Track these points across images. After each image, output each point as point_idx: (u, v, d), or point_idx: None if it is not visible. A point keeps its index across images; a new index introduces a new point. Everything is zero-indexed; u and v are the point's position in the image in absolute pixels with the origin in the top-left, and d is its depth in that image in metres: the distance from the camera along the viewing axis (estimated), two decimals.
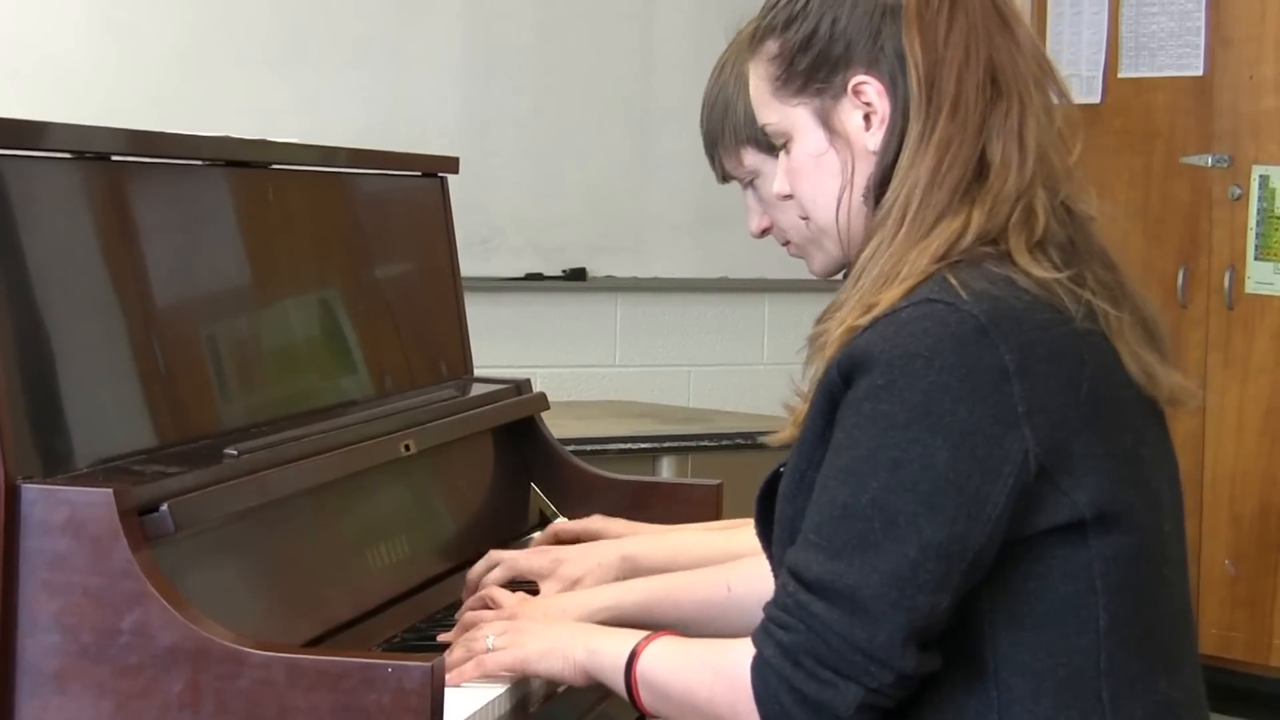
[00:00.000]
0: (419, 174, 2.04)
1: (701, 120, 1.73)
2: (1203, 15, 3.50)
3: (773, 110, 1.35)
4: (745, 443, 3.03)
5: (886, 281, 1.24)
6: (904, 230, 1.25)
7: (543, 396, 2.05)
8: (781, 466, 1.32)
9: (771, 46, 1.34)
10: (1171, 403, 1.31)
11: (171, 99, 3.14)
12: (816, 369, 1.26)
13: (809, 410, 1.26)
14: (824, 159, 1.32)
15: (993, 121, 1.26)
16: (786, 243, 1.75)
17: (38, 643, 1.27)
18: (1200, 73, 3.51)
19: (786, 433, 1.31)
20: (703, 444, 3.00)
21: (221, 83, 3.27)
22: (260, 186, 1.68)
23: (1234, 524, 3.38)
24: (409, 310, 1.95)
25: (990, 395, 1.19)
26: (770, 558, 1.34)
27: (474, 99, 3.55)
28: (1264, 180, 3.45)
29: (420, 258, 2.02)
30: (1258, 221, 3.45)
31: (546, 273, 3.66)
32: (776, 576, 1.28)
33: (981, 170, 1.26)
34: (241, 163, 1.66)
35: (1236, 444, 3.38)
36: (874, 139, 1.29)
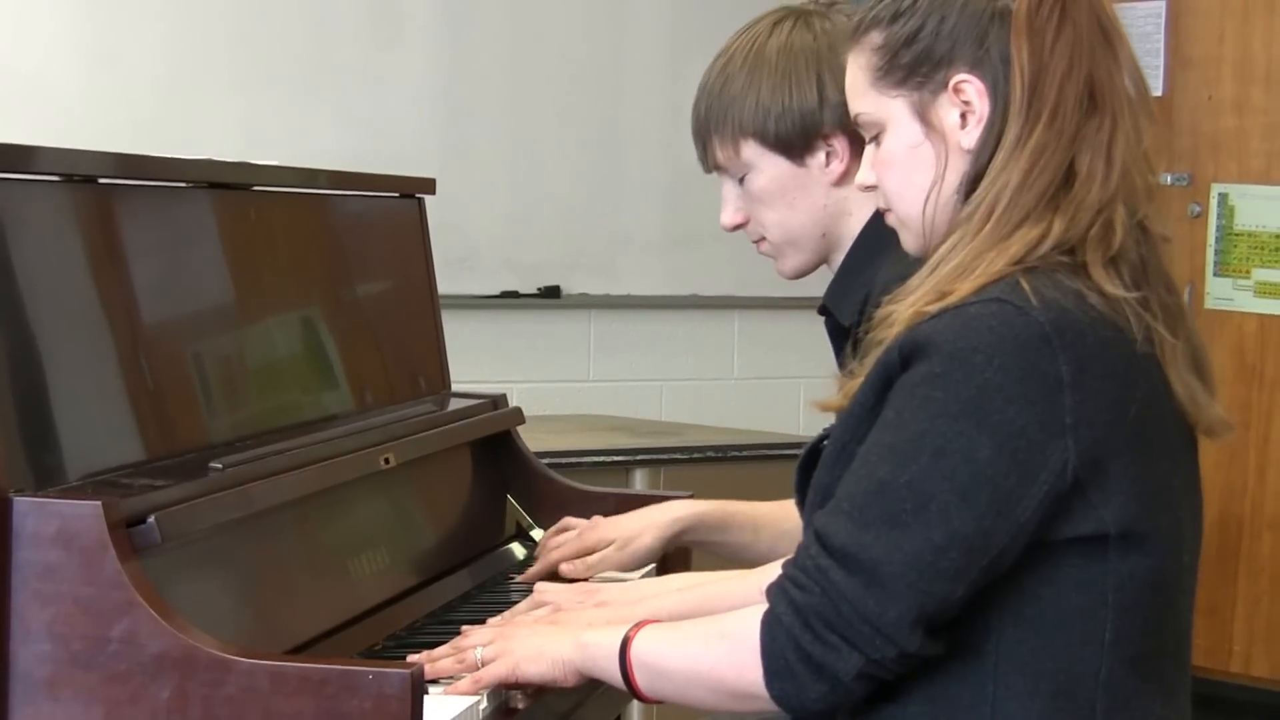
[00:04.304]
0: (397, 195, 2.06)
1: (697, 107, 1.71)
2: (1162, 37, 3.56)
3: (869, 100, 1.36)
4: (716, 455, 3.06)
5: (963, 274, 1.26)
6: (988, 229, 1.27)
7: (518, 411, 2.07)
8: (823, 441, 1.35)
9: (875, 38, 1.34)
10: (1209, 433, 1.33)
11: (152, 124, 3.17)
12: (878, 346, 1.27)
13: (862, 385, 1.28)
14: (918, 151, 1.33)
15: (1085, 133, 1.28)
16: (759, 240, 1.77)
17: (30, 651, 1.29)
18: (1160, 93, 3.57)
19: (835, 401, 1.33)
20: (675, 457, 3.02)
21: (202, 108, 3.30)
22: (243, 208, 1.70)
23: None
24: (388, 327, 1.97)
25: (1041, 402, 1.21)
26: (805, 527, 1.34)
27: (450, 122, 3.58)
28: (1223, 198, 3.51)
29: (398, 276, 2.04)
30: (1217, 239, 3.52)
31: (522, 291, 3.69)
32: None
33: (1068, 179, 1.28)
34: (224, 185, 1.68)
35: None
36: (969, 137, 1.30)
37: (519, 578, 1.89)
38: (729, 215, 1.74)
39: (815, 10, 1.72)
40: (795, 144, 1.68)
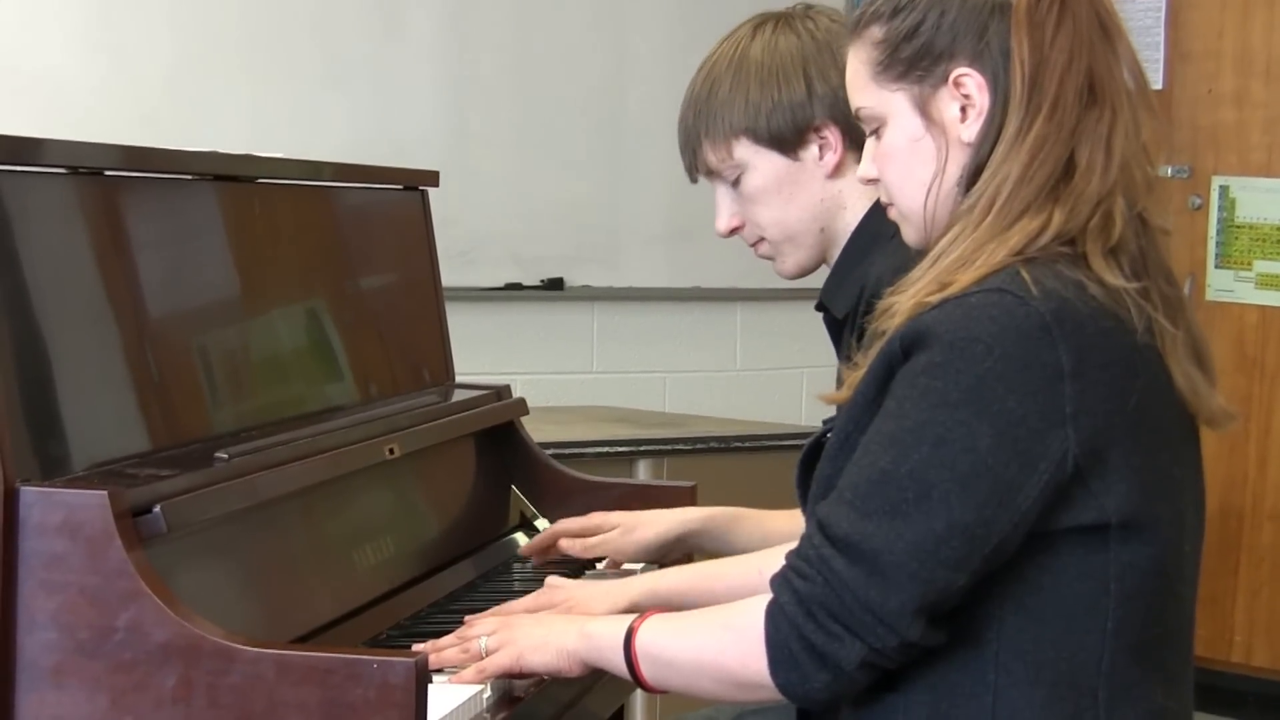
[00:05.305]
0: (401, 187, 2.07)
1: (685, 116, 1.73)
2: (1162, 31, 3.58)
3: (870, 94, 1.37)
4: (719, 446, 3.06)
5: (964, 265, 1.26)
6: (989, 221, 1.28)
7: (522, 402, 2.08)
8: (825, 434, 1.35)
9: (876, 32, 1.35)
10: (1211, 423, 1.33)
11: (160, 117, 3.18)
12: (880, 338, 1.28)
13: (865, 376, 1.29)
14: (919, 145, 1.34)
15: (1084, 126, 1.28)
16: (758, 241, 1.77)
17: (36, 640, 1.29)
18: (1160, 86, 3.58)
19: (840, 394, 1.34)
20: (678, 447, 3.02)
21: (207, 101, 3.31)
22: (248, 200, 1.71)
23: None
24: (392, 319, 1.98)
25: (1041, 391, 1.21)
26: (807, 517, 1.35)
27: (453, 115, 3.59)
28: (1224, 191, 3.52)
29: (403, 268, 2.04)
30: (1218, 230, 3.53)
31: (525, 282, 3.70)
32: None
33: (1068, 171, 1.28)
34: (229, 177, 1.68)
35: None
36: (969, 130, 1.31)
37: (521, 549, 1.90)
38: (724, 220, 1.75)
39: (795, 14, 1.73)
40: (788, 138, 1.69)
